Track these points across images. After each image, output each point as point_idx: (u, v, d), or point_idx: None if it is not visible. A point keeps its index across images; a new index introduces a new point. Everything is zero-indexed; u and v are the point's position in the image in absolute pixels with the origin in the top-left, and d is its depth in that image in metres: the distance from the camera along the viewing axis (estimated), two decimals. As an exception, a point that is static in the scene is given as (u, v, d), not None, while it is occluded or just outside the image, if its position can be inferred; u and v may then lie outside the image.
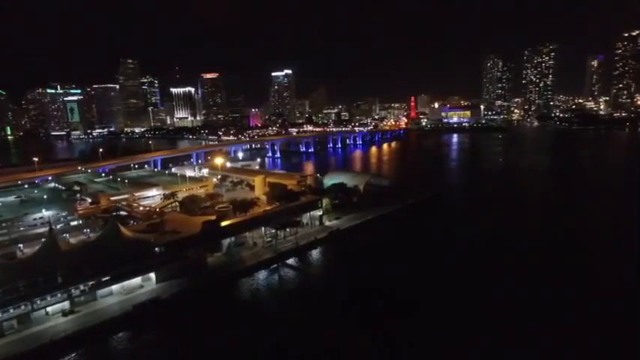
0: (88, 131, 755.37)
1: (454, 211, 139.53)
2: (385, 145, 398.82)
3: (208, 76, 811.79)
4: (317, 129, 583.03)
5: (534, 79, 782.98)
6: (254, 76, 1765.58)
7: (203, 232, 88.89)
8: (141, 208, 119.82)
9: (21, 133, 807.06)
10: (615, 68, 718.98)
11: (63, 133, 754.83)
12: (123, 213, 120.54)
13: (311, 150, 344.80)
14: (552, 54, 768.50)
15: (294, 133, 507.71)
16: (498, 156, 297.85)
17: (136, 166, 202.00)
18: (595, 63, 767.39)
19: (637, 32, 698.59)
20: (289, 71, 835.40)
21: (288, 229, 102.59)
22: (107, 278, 72.94)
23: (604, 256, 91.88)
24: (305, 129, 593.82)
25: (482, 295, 74.15)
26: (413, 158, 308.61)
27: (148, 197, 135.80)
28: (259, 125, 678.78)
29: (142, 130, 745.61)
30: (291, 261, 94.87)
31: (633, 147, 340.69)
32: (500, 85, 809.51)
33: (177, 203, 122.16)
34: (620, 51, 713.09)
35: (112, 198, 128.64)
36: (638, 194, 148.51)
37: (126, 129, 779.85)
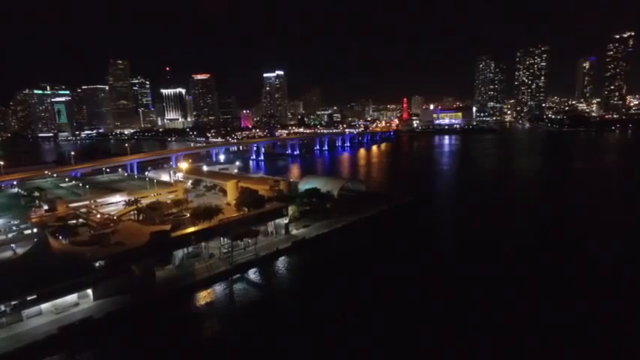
0: (77, 133, 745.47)
1: (432, 216, 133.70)
2: (374, 148, 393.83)
3: (199, 77, 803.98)
4: (307, 130, 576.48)
5: (526, 80, 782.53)
6: (248, 77, 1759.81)
7: (151, 243, 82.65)
8: (99, 216, 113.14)
9: (9, 135, 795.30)
10: (607, 70, 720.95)
11: (50, 134, 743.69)
12: (81, 220, 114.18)
13: (296, 152, 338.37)
14: (544, 55, 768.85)
15: (285, 135, 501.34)
16: (485, 158, 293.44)
17: (108, 170, 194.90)
18: (587, 65, 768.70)
19: (628, 34, 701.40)
20: (281, 72, 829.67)
21: (248, 240, 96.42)
22: (33, 297, 66.44)
23: (596, 258, 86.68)
24: (295, 130, 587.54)
25: (458, 313, 67.51)
26: (399, 161, 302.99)
27: (111, 204, 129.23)
28: (250, 127, 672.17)
29: (132, 131, 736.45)
30: (249, 273, 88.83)
31: (621, 150, 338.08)
32: (492, 86, 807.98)
33: (136, 211, 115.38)
34: (611, 52, 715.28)
35: (71, 205, 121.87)
36: (622, 197, 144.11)
37: (116, 130, 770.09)
